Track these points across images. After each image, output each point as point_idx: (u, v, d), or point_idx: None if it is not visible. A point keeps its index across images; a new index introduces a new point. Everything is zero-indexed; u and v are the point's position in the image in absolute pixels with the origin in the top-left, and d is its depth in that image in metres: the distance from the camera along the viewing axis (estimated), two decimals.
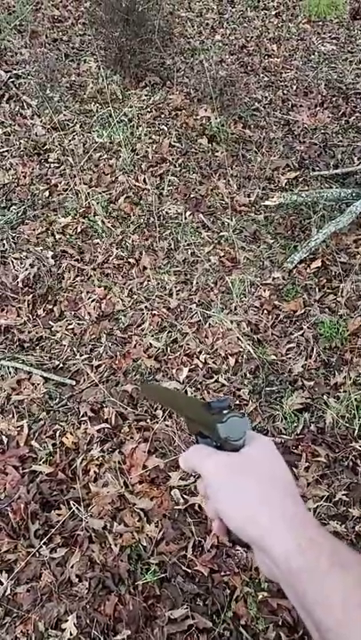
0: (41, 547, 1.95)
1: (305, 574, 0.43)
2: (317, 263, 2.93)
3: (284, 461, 0.54)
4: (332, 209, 3.20)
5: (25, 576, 1.90)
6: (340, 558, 0.44)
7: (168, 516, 2.04)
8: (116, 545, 1.96)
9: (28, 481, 2.12)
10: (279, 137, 3.83)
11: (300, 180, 3.50)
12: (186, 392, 2.37)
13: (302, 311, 2.72)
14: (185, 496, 2.09)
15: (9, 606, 1.84)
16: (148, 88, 4.11)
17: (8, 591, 1.86)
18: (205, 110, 3.84)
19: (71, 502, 2.06)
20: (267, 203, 3.22)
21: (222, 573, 1.91)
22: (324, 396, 2.38)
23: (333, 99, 4.25)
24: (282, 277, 2.88)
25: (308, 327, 2.64)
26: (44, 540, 1.96)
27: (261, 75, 4.48)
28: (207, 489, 0.54)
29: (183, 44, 4.73)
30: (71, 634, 1.77)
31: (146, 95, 4.05)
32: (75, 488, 2.10)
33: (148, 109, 3.93)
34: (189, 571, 1.92)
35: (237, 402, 2.37)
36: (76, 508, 2.04)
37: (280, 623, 1.81)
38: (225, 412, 0.55)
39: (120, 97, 4.00)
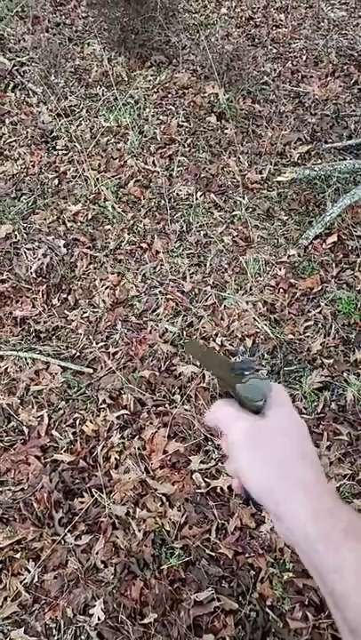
0: (66, 534, 1.97)
1: (320, 543, 0.45)
2: (333, 238, 2.86)
3: (305, 428, 0.55)
4: (346, 182, 3.11)
5: (51, 563, 1.92)
6: (356, 529, 0.45)
7: (190, 500, 2.04)
8: (139, 530, 1.97)
9: (50, 470, 2.13)
10: (290, 110, 3.73)
11: (313, 153, 3.41)
12: (203, 375, 2.35)
13: (319, 288, 2.67)
14: (206, 479, 2.08)
15: (37, 593, 1.87)
16: (153, 68, 4.03)
17: (35, 579, 1.89)
18: (213, 87, 3.75)
19: (93, 490, 2.07)
20: (279, 178, 3.14)
21: (247, 555, 1.91)
22: (345, 374, 2.34)
23: (345, 67, 4.12)
24: (297, 254, 2.82)
25: (325, 304, 2.59)
26: (69, 527, 1.98)
27: (269, 47, 4.35)
28: (231, 450, 0.55)
29: (188, 19, 4.62)
30: (99, 618, 1.79)
31: (152, 75, 3.97)
32: (96, 475, 2.11)
33: (155, 90, 3.85)
34: (213, 554, 1.92)
35: None
36: (99, 495, 2.05)
37: (306, 603, 1.81)
38: (247, 373, 0.57)
39: (125, 79, 3.93)
